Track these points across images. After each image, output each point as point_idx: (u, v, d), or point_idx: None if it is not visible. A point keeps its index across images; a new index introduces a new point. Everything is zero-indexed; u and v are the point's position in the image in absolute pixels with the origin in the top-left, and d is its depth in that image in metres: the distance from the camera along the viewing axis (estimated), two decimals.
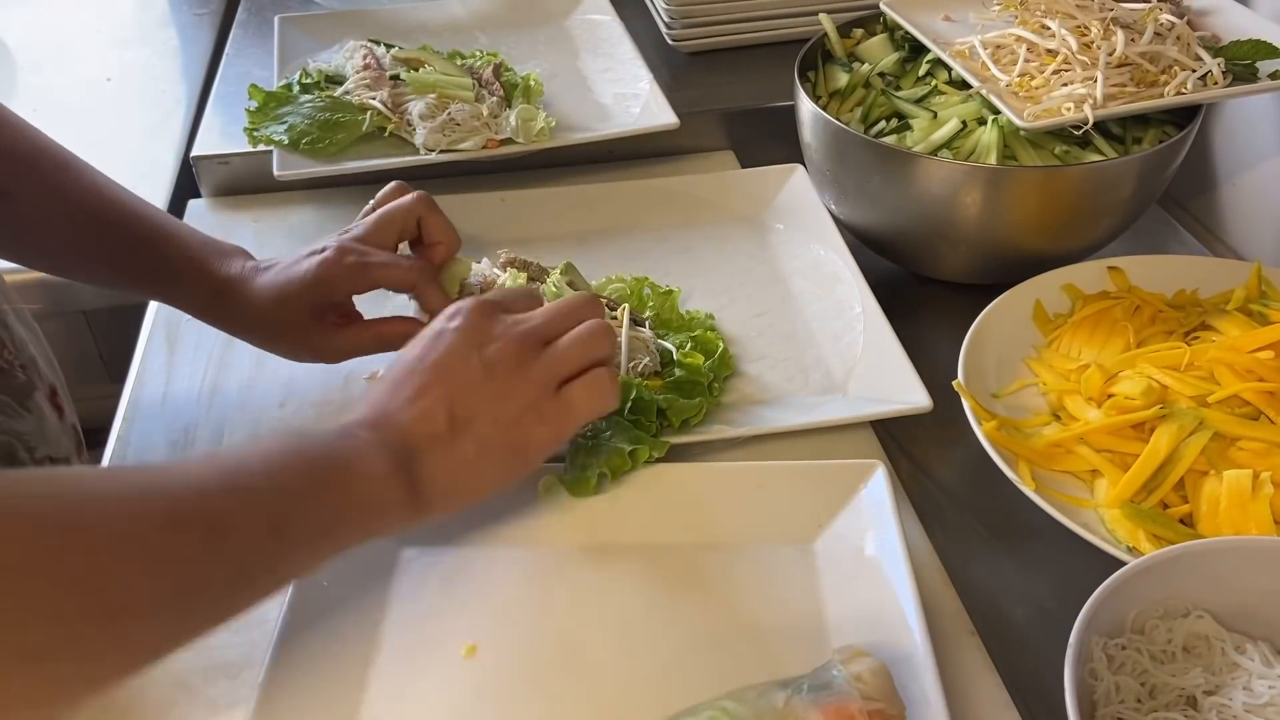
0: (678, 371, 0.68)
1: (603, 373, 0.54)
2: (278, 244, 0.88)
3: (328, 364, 0.70)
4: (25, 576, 0.31)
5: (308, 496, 0.43)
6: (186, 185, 0.96)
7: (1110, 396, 0.64)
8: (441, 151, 0.88)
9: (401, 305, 0.73)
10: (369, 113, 0.91)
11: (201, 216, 0.93)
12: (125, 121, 1.08)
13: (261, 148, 0.89)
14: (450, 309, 0.54)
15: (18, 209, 0.64)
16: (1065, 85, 0.73)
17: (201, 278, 0.67)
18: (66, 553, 0.32)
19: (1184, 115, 0.77)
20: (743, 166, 0.97)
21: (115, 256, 0.67)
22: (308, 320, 0.66)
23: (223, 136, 0.97)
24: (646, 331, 0.70)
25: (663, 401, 0.65)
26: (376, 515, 0.47)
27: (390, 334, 0.68)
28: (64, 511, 0.33)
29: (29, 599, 0.31)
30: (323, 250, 0.66)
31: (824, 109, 0.79)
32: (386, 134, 0.91)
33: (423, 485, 0.48)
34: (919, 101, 0.81)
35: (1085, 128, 0.72)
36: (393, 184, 0.71)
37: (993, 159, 0.74)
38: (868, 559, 0.58)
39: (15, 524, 0.32)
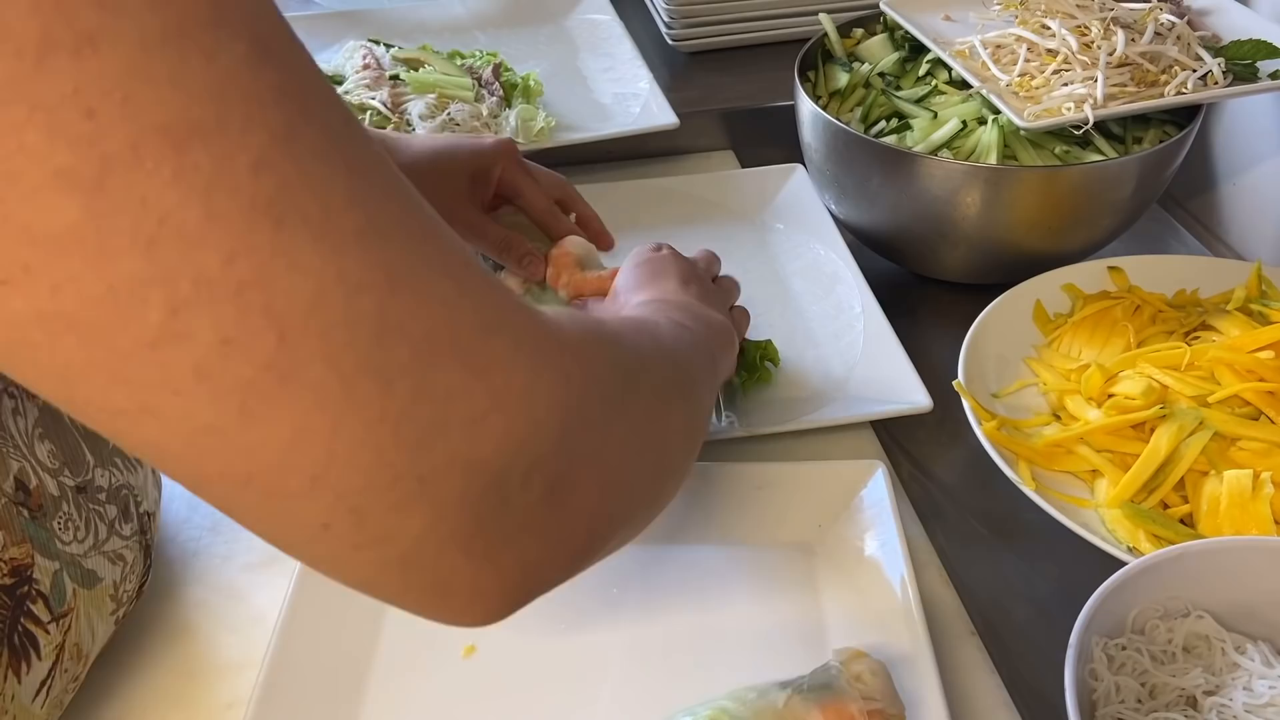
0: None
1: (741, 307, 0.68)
2: None
3: None
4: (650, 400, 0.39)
5: (709, 356, 0.52)
6: None
7: (1110, 396, 0.64)
8: None
9: None
10: (369, 113, 0.91)
11: None
12: None
13: None
14: (648, 245, 0.62)
15: None
16: (1065, 85, 0.73)
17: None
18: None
19: (1184, 115, 0.77)
20: (743, 166, 0.97)
21: None
22: (462, 185, 0.68)
23: None
24: None
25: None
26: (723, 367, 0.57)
27: (515, 243, 0.70)
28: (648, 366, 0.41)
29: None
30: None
31: (824, 109, 0.79)
32: None
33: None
34: (919, 101, 0.81)
35: (1085, 128, 0.72)
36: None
37: (993, 159, 0.74)
38: (868, 559, 0.58)
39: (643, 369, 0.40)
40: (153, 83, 0.23)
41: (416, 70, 0.95)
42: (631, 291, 0.57)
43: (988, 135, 0.75)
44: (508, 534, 0.31)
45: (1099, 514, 0.59)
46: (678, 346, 0.47)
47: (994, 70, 0.77)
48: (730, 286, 0.67)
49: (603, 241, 0.73)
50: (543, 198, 0.71)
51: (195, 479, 0.28)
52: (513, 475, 0.30)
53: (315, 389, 0.26)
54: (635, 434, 0.37)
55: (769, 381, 0.71)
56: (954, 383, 0.64)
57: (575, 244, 0.68)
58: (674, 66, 1.10)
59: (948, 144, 0.77)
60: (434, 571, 0.30)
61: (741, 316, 0.68)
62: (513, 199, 0.71)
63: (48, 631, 0.47)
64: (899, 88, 0.84)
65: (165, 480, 0.62)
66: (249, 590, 0.60)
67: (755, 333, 0.72)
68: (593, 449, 0.33)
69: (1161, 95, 0.73)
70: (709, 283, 0.62)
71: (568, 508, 0.32)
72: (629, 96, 1.00)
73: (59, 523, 0.48)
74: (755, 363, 0.70)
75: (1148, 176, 0.75)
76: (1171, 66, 0.75)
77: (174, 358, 0.25)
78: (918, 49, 0.86)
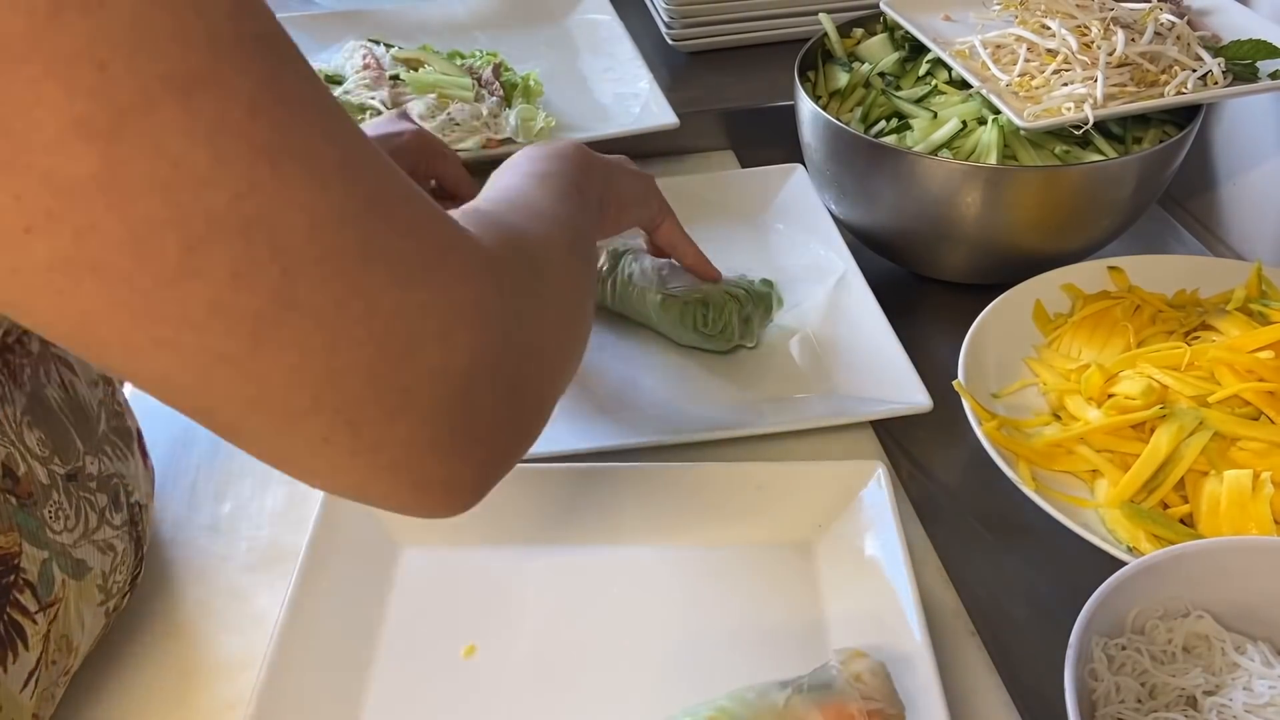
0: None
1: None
2: None
3: None
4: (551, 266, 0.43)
5: (589, 211, 0.55)
6: None
7: (1110, 396, 0.64)
8: None
9: None
10: (369, 113, 0.91)
11: None
12: None
13: None
14: None
15: None
16: (1065, 85, 0.73)
17: None
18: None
19: (1184, 115, 0.77)
20: (743, 166, 0.97)
21: None
22: None
23: None
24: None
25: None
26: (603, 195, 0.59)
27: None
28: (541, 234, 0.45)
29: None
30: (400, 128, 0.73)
31: (824, 109, 0.79)
32: None
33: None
34: (919, 101, 0.81)
35: (1085, 127, 0.72)
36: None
37: (993, 159, 0.74)
38: (868, 559, 0.58)
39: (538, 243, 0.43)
40: (155, 35, 0.25)
41: (416, 70, 0.95)
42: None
43: (988, 135, 0.75)
44: (479, 432, 0.35)
45: (1099, 514, 0.59)
46: (556, 205, 0.50)
47: (994, 70, 0.77)
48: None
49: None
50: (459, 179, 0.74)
51: (205, 407, 0.30)
52: (478, 379, 0.34)
53: (315, 314, 0.29)
54: (557, 311, 0.41)
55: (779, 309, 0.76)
56: (954, 383, 0.64)
57: None
58: (674, 66, 1.10)
59: (948, 144, 0.77)
60: (418, 472, 0.33)
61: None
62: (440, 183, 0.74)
63: (35, 621, 0.47)
64: (899, 88, 0.84)
65: (159, 476, 0.62)
66: (248, 590, 0.60)
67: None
68: (531, 342, 0.38)
69: (1161, 95, 0.73)
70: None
71: (525, 399, 0.37)
72: (629, 96, 1.00)
73: (49, 511, 0.48)
74: (769, 302, 0.75)
75: (1148, 176, 0.75)
76: (1171, 66, 0.75)
77: (191, 293, 0.27)
78: (918, 49, 0.86)
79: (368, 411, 0.31)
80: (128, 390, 0.76)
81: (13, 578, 0.46)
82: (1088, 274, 0.73)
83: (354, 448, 0.31)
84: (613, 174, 0.62)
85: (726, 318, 0.72)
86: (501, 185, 0.51)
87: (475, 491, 0.37)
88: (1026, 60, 0.76)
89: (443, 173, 0.73)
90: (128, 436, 0.57)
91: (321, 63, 0.99)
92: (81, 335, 0.28)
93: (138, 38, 0.25)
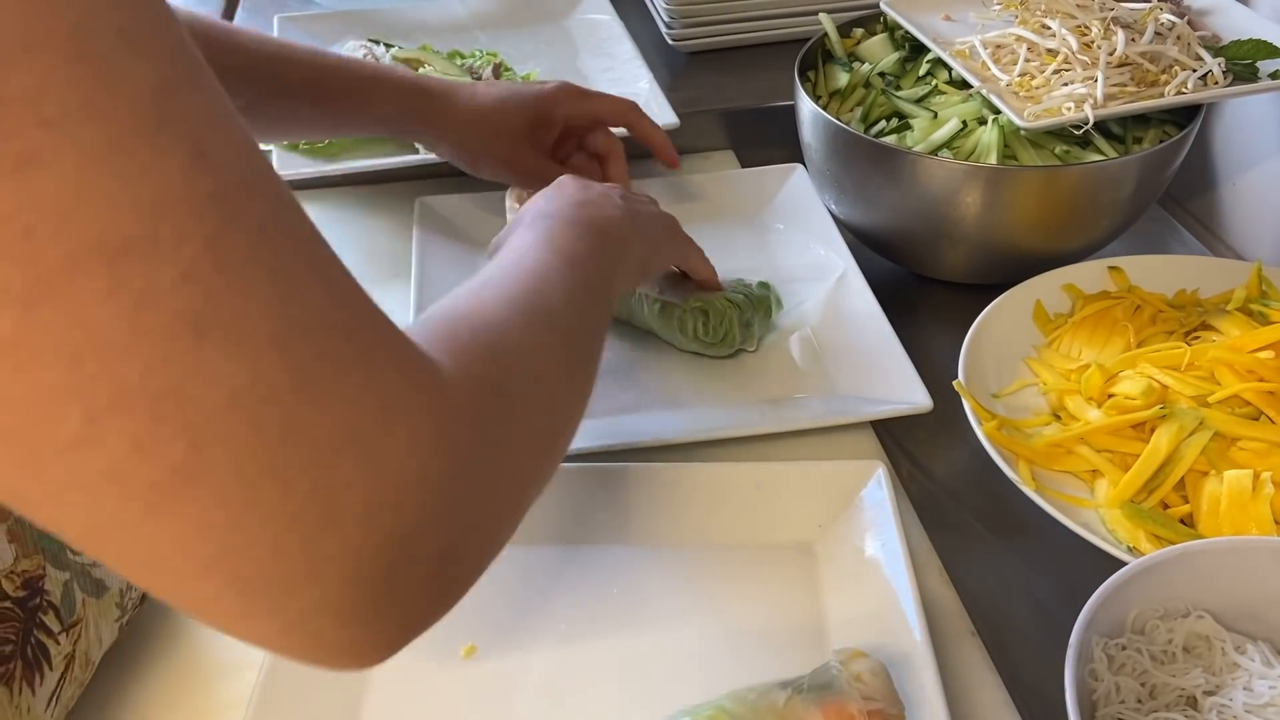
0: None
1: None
2: None
3: (515, 185, 0.78)
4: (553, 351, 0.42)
5: (607, 261, 0.54)
6: None
7: (1110, 396, 0.64)
8: None
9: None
10: None
11: None
12: None
13: (262, 147, 0.89)
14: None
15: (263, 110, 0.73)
16: (1065, 85, 0.73)
17: (408, 83, 0.74)
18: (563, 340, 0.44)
19: (1184, 115, 0.77)
20: (743, 166, 0.97)
21: (319, 93, 0.74)
22: (523, 130, 0.74)
23: None
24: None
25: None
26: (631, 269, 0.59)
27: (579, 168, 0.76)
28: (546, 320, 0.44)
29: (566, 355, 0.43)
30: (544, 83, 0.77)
31: (824, 109, 0.79)
32: None
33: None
34: (919, 101, 0.81)
35: (1085, 127, 0.72)
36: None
37: (993, 159, 0.74)
38: (868, 559, 0.58)
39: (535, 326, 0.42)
40: (90, 200, 0.24)
41: (416, 70, 0.95)
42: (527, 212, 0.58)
43: (988, 135, 0.75)
44: (392, 604, 0.32)
45: (1099, 514, 0.59)
46: (569, 304, 0.47)
47: (994, 70, 0.77)
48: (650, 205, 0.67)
49: (667, 157, 0.80)
50: (615, 115, 0.78)
51: (99, 558, 0.29)
52: (401, 558, 0.31)
53: (217, 490, 0.27)
54: (525, 443, 0.38)
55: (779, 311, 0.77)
56: (954, 383, 0.64)
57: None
58: (674, 66, 1.10)
59: (948, 144, 0.77)
60: (318, 637, 0.31)
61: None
62: (589, 130, 0.78)
63: (58, 642, 0.47)
64: (899, 88, 0.84)
65: None
66: None
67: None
68: (481, 510, 0.34)
69: (1161, 95, 0.73)
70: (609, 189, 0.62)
71: (455, 572, 0.34)
72: (629, 96, 1.00)
73: None
74: (769, 305, 0.76)
75: (1148, 176, 0.75)
76: (1171, 66, 0.75)
77: (86, 461, 0.26)
78: (918, 49, 0.86)
79: (265, 584, 0.29)
80: None
81: (38, 600, 0.46)
82: (1088, 274, 0.74)
83: (246, 612, 0.29)
84: (643, 237, 0.60)
85: (727, 325, 0.72)
86: (517, 259, 0.48)
87: (384, 653, 0.34)
88: (1026, 60, 0.76)
89: (594, 134, 0.76)
90: None
91: None
92: None
93: (71, 203, 0.24)
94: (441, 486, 0.32)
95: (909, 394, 0.67)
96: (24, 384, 0.25)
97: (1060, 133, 0.76)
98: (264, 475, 0.28)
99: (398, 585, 0.31)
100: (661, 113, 0.94)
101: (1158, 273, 0.73)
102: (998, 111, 0.74)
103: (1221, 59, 0.75)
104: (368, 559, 0.30)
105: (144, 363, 0.25)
